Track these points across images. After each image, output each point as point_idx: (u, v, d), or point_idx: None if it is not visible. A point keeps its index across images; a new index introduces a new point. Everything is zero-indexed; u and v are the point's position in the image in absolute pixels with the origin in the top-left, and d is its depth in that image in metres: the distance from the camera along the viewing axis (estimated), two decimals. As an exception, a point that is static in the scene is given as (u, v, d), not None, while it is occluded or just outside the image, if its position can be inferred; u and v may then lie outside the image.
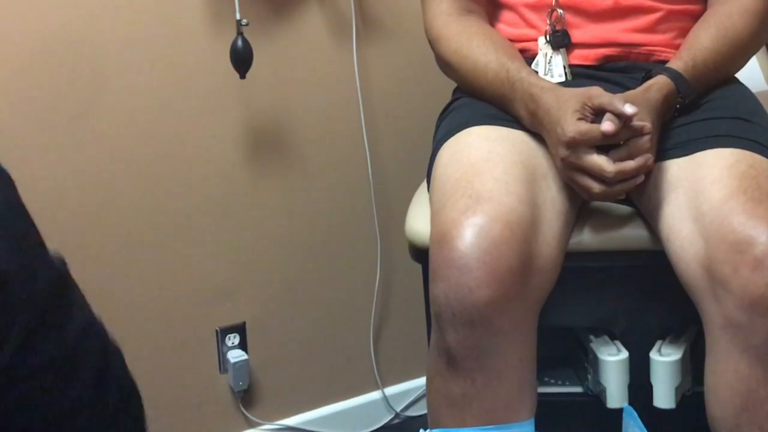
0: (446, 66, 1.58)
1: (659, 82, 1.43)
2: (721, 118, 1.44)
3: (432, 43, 1.60)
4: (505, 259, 1.26)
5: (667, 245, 1.36)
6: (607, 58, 1.55)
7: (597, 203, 1.49)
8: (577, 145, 1.34)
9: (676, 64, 1.46)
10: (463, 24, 1.56)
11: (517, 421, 1.31)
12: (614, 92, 1.41)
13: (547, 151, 1.42)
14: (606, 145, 1.36)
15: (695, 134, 1.42)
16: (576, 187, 1.39)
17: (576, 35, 1.54)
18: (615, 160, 1.35)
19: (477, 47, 1.52)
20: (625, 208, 1.49)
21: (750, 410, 1.25)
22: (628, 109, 1.33)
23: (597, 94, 1.37)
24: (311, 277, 2.03)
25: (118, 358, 1.02)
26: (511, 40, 1.57)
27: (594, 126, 1.34)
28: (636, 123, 1.35)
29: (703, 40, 1.49)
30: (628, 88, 1.45)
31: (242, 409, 2.01)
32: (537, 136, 1.44)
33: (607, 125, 1.33)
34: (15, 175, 1.73)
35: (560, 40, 1.53)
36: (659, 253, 1.38)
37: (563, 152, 1.36)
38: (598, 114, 1.36)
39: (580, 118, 1.35)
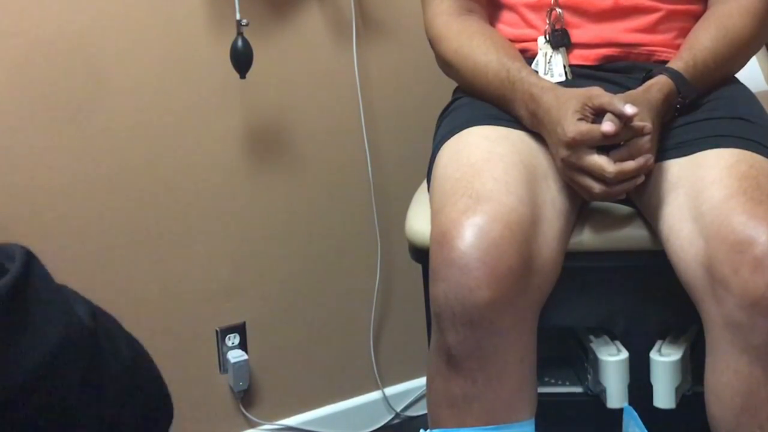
0: (446, 66, 1.58)
1: (659, 82, 1.43)
2: (721, 118, 1.44)
3: (432, 43, 1.60)
4: (505, 259, 1.26)
5: (667, 245, 1.36)
6: (608, 59, 1.55)
7: (597, 203, 1.49)
8: (577, 145, 1.34)
9: (677, 64, 1.47)
10: (464, 24, 1.56)
11: (518, 421, 1.31)
12: (614, 92, 1.41)
13: (548, 151, 1.42)
14: (606, 145, 1.36)
15: (695, 134, 1.42)
16: (576, 187, 1.39)
17: (576, 35, 1.54)
18: (615, 161, 1.35)
19: (477, 47, 1.52)
20: (625, 208, 1.49)
21: (750, 410, 1.25)
22: (629, 109, 1.33)
23: (597, 94, 1.37)
24: (311, 276, 2.03)
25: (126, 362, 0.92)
26: (512, 41, 1.57)
27: (594, 126, 1.34)
28: (636, 123, 1.35)
29: (703, 40, 1.49)
30: (628, 89, 1.45)
31: (242, 409, 2.01)
32: (537, 136, 1.44)
33: (608, 125, 1.33)
34: (15, 174, 1.74)
35: (559, 40, 1.53)
36: (659, 253, 1.38)
37: (564, 152, 1.36)
38: (598, 114, 1.36)
39: (580, 119, 1.35)
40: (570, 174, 1.37)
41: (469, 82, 1.54)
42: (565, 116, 1.35)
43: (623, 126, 1.34)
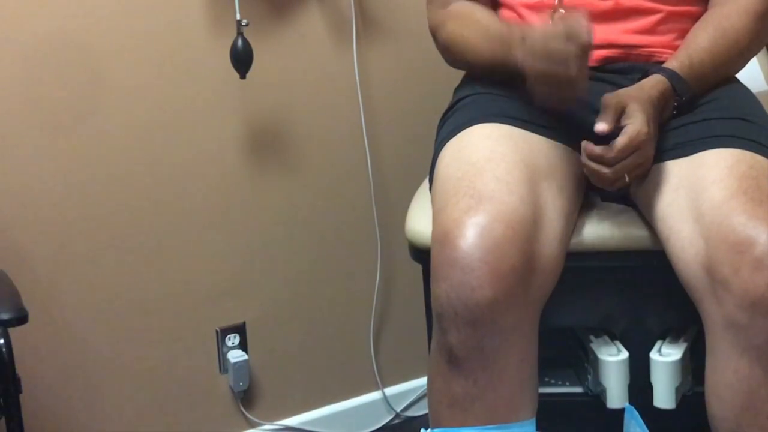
0: (445, 48, 1.59)
1: (653, 80, 1.44)
2: (721, 118, 1.44)
3: (433, 32, 1.60)
4: (507, 259, 1.26)
5: (668, 245, 1.36)
6: (607, 60, 1.55)
7: (597, 204, 1.49)
8: (530, 40, 1.36)
9: (672, 63, 1.47)
10: (465, 5, 1.57)
11: (519, 421, 1.31)
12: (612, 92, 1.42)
13: (549, 151, 1.43)
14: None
15: (696, 135, 1.42)
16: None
17: (576, 36, 1.54)
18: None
19: (480, 17, 1.54)
20: (625, 208, 1.49)
21: (751, 410, 1.25)
22: (599, 126, 1.35)
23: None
24: (311, 277, 2.03)
25: None
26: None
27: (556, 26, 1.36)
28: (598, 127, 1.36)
29: (700, 40, 1.50)
30: (627, 89, 1.46)
31: (242, 409, 2.01)
32: (539, 135, 1.44)
33: (601, 126, 1.34)
34: (15, 175, 1.74)
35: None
36: (659, 253, 1.38)
37: (526, 58, 1.37)
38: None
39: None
40: (536, 87, 1.38)
41: (472, 50, 1.54)
42: (528, 27, 1.39)
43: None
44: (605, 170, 1.37)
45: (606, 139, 1.36)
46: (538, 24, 1.38)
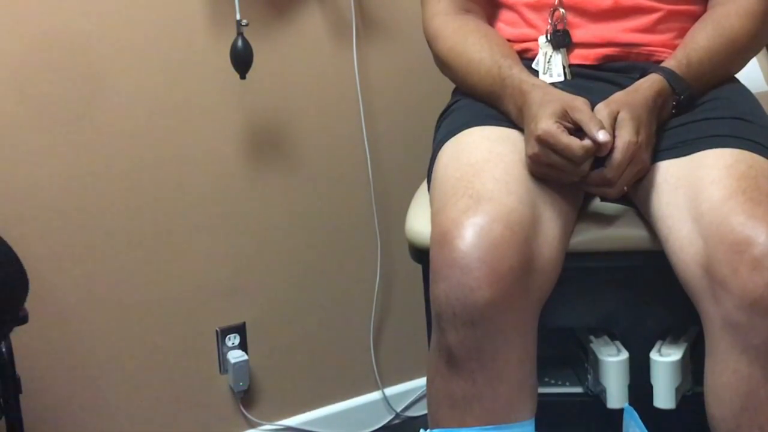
0: (442, 64, 1.59)
1: (650, 80, 1.44)
2: (720, 118, 1.44)
3: (429, 42, 1.61)
4: (505, 260, 1.26)
5: (667, 245, 1.36)
6: (607, 58, 1.55)
7: (596, 203, 1.49)
8: (542, 144, 1.35)
9: (670, 62, 1.47)
10: (460, 22, 1.57)
11: (518, 422, 1.31)
12: (613, 92, 1.42)
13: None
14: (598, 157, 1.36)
15: (695, 134, 1.42)
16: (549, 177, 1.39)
17: (576, 35, 1.54)
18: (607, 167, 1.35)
19: (472, 44, 1.53)
20: (624, 208, 1.49)
21: (750, 410, 1.25)
22: (602, 136, 1.34)
23: (579, 107, 1.36)
24: (311, 277, 2.03)
25: None
26: (511, 41, 1.57)
27: (563, 134, 1.34)
28: (601, 139, 1.35)
29: (698, 39, 1.50)
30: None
31: (242, 409, 2.01)
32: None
33: (602, 135, 1.34)
34: (15, 175, 1.74)
35: (561, 40, 1.54)
36: (659, 253, 1.38)
37: (532, 149, 1.36)
38: (576, 128, 1.36)
39: (557, 122, 1.35)
40: (538, 170, 1.37)
41: (462, 79, 1.55)
42: (543, 114, 1.36)
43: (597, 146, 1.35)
44: (608, 190, 1.38)
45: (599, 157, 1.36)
46: (544, 121, 1.35)
